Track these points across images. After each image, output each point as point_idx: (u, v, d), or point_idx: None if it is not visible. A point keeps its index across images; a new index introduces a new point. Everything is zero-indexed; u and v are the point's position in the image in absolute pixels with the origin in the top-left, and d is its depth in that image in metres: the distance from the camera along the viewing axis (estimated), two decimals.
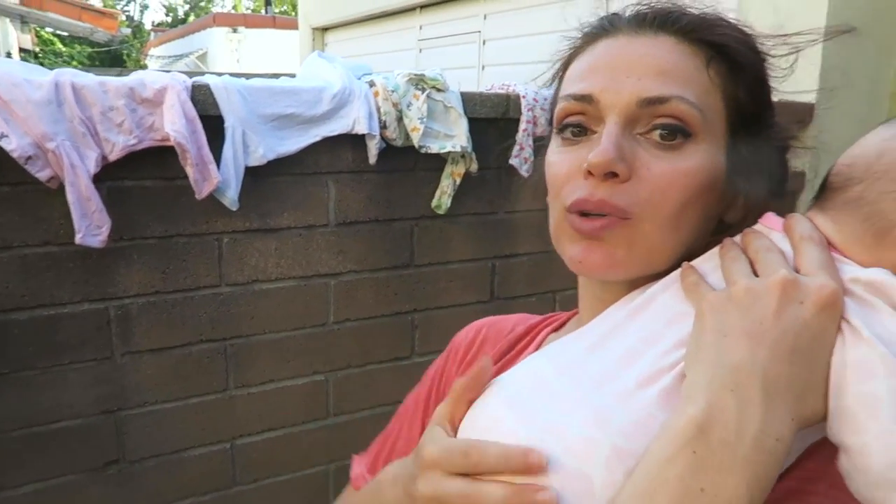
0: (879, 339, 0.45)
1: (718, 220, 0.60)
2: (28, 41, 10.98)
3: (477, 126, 1.81)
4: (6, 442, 1.45)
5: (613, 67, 0.57)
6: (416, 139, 1.74)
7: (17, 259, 1.41)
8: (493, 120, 1.85)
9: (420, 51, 4.95)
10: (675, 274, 0.56)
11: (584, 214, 0.56)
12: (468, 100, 1.81)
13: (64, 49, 17.04)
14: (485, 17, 4.26)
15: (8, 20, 9.19)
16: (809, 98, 2.27)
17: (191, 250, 1.58)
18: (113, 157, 1.44)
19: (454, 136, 1.81)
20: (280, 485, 1.75)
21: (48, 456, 1.49)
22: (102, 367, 1.52)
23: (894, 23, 2.39)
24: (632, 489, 0.44)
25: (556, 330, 0.75)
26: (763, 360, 0.45)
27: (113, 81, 1.43)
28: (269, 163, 1.59)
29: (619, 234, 0.56)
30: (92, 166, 1.40)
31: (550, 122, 0.64)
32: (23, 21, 9.43)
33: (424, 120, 1.74)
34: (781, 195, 0.61)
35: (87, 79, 1.42)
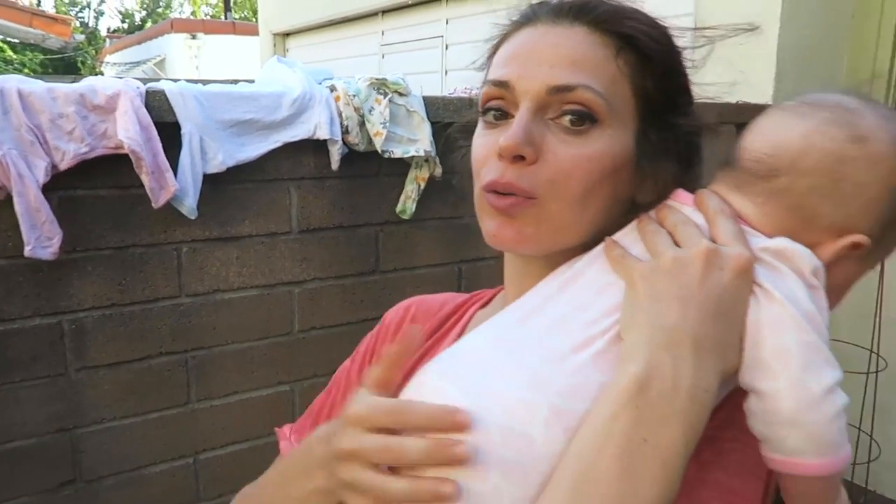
0: (789, 299, 0.51)
1: (631, 199, 0.63)
2: None
3: (440, 130, 1.80)
4: None
5: (529, 56, 0.61)
6: (379, 144, 1.72)
7: None
8: (456, 123, 1.84)
9: (383, 56, 4.93)
10: (599, 249, 0.60)
11: (496, 193, 0.60)
12: (431, 104, 1.79)
13: (15, 56, 16.56)
14: (447, 22, 4.26)
15: None
16: (766, 100, 2.32)
17: (148, 261, 1.53)
18: (63, 165, 1.38)
19: (417, 141, 1.79)
20: None
21: (0, 477, 1.43)
22: (56, 383, 1.46)
23: (846, 17, 2.46)
24: (580, 445, 0.48)
25: (483, 306, 0.79)
26: (692, 321, 0.50)
27: (62, 88, 1.39)
28: (229, 170, 1.55)
29: (527, 212, 0.60)
30: (41, 176, 1.35)
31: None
32: None
33: (387, 124, 1.72)
34: (695, 177, 0.65)
35: (35, 85, 1.37)
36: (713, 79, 0.70)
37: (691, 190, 0.62)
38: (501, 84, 0.61)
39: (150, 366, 1.56)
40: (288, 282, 1.72)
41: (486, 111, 0.64)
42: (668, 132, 0.63)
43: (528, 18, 0.65)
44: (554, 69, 0.59)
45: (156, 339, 1.56)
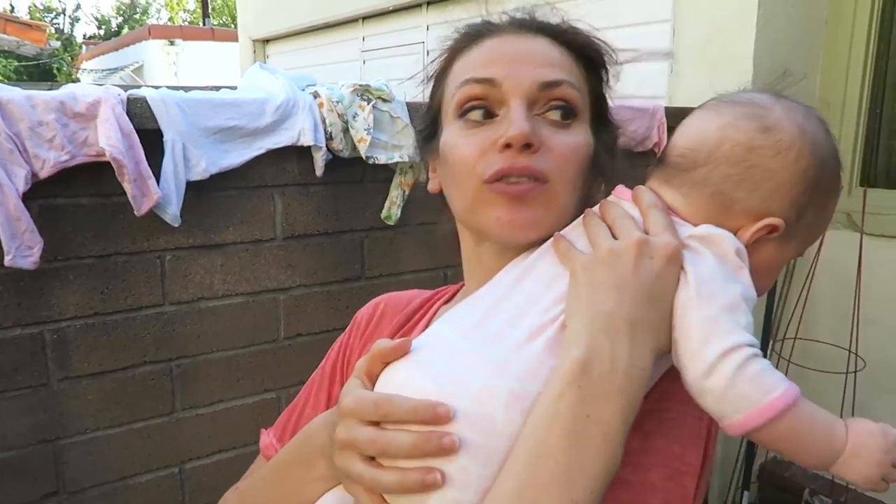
0: (697, 280, 0.56)
1: (588, 193, 0.70)
2: None
3: None
4: None
5: (512, 58, 0.67)
6: (363, 150, 1.72)
7: None
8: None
9: (364, 62, 4.92)
10: (549, 243, 0.65)
11: (504, 183, 0.64)
12: (414, 110, 1.80)
13: None
14: (428, 28, 4.27)
15: None
16: None
17: (131, 269, 1.52)
18: (44, 174, 1.37)
19: (402, 147, 1.79)
20: None
21: None
22: (38, 394, 1.44)
23: (819, 23, 2.50)
24: (532, 423, 0.53)
25: (447, 302, 0.84)
26: (627, 306, 0.55)
27: (42, 95, 1.37)
28: (213, 177, 1.54)
29: (539, 197, 0.65)
30: (21, 184, 1.33)
31: (432, 122, 0.74)
32: None
33: (371, 131, 1.72)
34: (623, 170, 0.73)
35: (13, 93, 1.35)
36: (690, 83, 0.74)
37: (630, 186, 0.68)
38: (486, 81, 0.66)
39: (134, 375, 1.55)
40: (273, 289, 1.71)
41: (466, 111, 0.68)
42: (607, 131, 0.72)
43: (487, 31, 0.71)
44: (538, 69, 0.66)
45: (139, 348, 1.55)
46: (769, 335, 2.49)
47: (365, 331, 0.86)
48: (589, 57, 0.70)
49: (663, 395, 0.61)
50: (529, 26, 0.70)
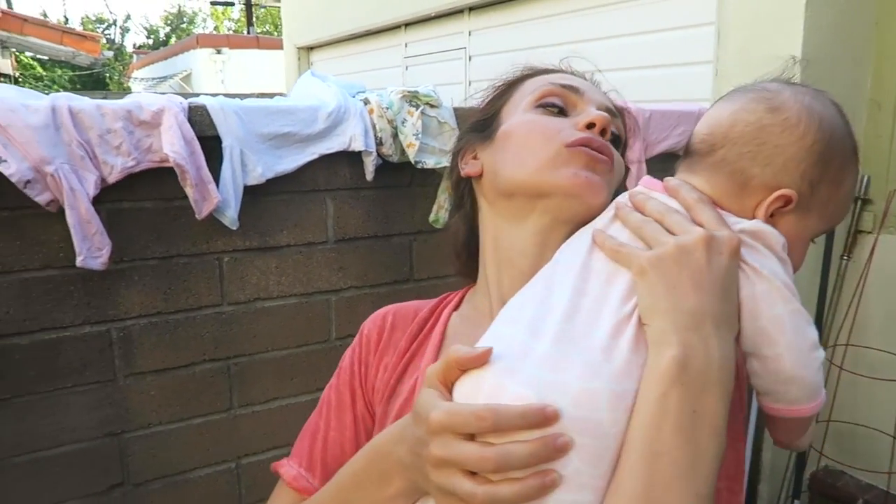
0: (772, 273, 0.61)
1: None
2: (8, 66, 10.92)
3: None
4: (8, 468, 1.43)
5: (588, 85, 0.80)
6: (412, 155, 1.75)
7: (17, 283, 1.40)
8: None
9: (406, 68, 4.98)
10: (587, 239, 0.67)
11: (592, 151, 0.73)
12: (461, 115, 1.83)
13: (45, 73, 16.95)
14: (470, 34, 4.30)
15: None
16: None
17: (192, 270, 1.58)
18: (112, 179, 1.44)
19: (449, 151, 1.82)
20: None
21: (51, 481, 1.48)
22: (105, 389, 1.51)
23: (869, 26, 2.45)
24: (641, 423, 0.55)
25: (455, 308, 0.86)
26: (708, 302, 0.58)
27: (110, 104, 1.44)
28: (268, 181, 1.60)
29: (607, 173, 0.74)
30: (91, 189, 1.40)
31: (489, 117, 0.82)
32: (3, 46, 9.38)
33: (419, 136, 1.76)
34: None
35: (84, 102, 1.43)
36: (735, 86, 0.77)
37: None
38: (572, 89, 0.77)
39: (194, 372, 1.61)
40: (325, 290, 1.76)
41: (545, 104, 0.77)
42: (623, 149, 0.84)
43: (551, 70, 0.84)
44: (605, 100, 0.80)
45: (199, 346, 1.61)
46: (819, 342, 2.45)
47: (378, 344, 0.85)
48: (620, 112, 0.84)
49: None
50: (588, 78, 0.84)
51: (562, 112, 0.76)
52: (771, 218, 0.66)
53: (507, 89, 0.83)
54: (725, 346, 0.58)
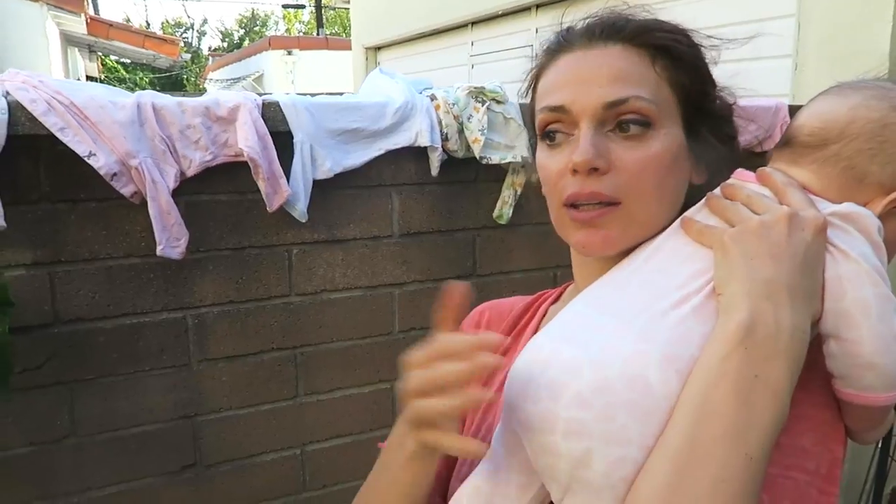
0: (860, 255, 0.59)
1: (689, 182, 0.71)
2: (94, 69, 11.54)
3: None
4: (91, 445, 1.52)
5: (578, 80, 0.68)
6: (477, 150, 1.76)
7: (102, 271, 1.49)
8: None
9: (472, 66, 5.00)
10: (674, 227, 0.67)
11: (576, 206, 0.67)
12: (527, 111, 1.82)
13: (127, 75, 17.81)
14: (536, 31, 4.28)
15: (76, 50, 9.69)
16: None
17: (262, 261, 1.64)
18: (190, 172, 1.51)
19: (514, 147, 1.82)
20: (348, 491, 1.78)
21: (129, 459, 1.56)
22: (180, 373, 1.58)
23: None
24: (697, 383, 0.55)
25: (554, 302, 0.85)
26: (786, 273, 0.57)
27: (189, 102, 1.51)
28: (336, 176, 1.64)
29: (612, 218, 0.66)
30: (171, 182, 1.47)
31: (533, 129, 0.75)
32: (90, 50, 9.91)
33: (485, 131, 1.76)
34: (735, 149, 0.73)
35: (166, 100, 1.50)
36: (815, 80, 0.74)
37: (738, 164, 0.70)
38: (557, 109, 0.68)
39: (263, 360, 1.67)
40: (389, 283, 1.79)
41: (545, 135, 0.70)
42: (707, 118, 0.71)
43: (561, 46, 0.72)
44: (603, 88, 0.66)
45: (268, 335, 1.66)
46: None
47: None
48: (670, 52, 0.69)
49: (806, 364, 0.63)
50: (599, 34, 0.70)
51: (565, 135, 0.69)
52: (883, 216, 0.64)
53: (532, 93, 0.77)
54: (799, 317, 0.57)
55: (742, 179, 0.68)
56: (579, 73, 0.68)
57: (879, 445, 2.36)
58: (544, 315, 0.84)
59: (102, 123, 1.41)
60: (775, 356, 0.55)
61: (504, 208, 1.88)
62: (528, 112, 0.78)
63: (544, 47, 0.75)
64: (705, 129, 0.70)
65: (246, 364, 1.65)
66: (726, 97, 0.74)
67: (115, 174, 1.41)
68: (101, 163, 1.39)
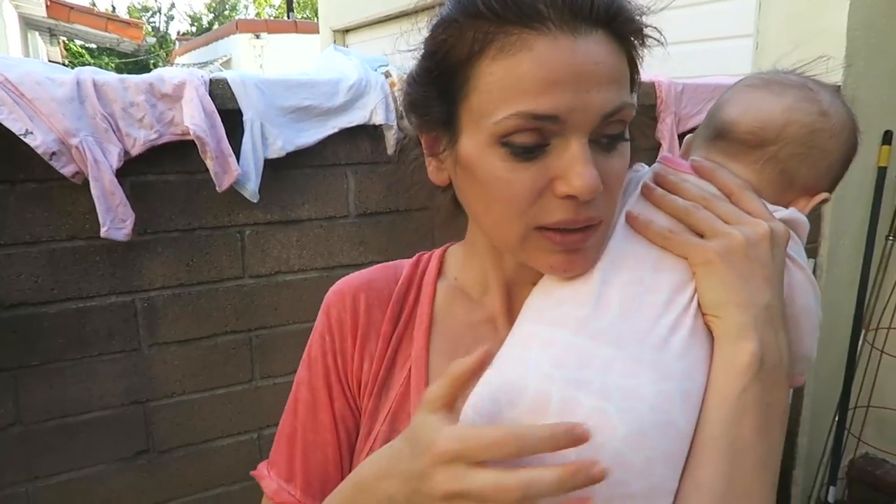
0: (805, 263, 0.63)
1: None
2: (57, 54, 11.24)
3: None
4: (39, 433, 1.48)
5: (576, 83, 0.54)
6: None
7: (45, 253, 1.44)
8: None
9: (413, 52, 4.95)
10: (621, 223, 0.63)
11: (560, 231, 0.58)
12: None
13: (92, 61, 17.41)
14: None
15: (37, 33, 9.43)
16: (837, 80, 2.23)
17: (213, 243, 1.60)
18: (135, 151, 1.46)
19: None
20: None
21: (79, 446, 1.52)
22: (130, 358, 1.55)
23: None
24: (721, 419, 0.55)
25: (438, 276, 0.77)
26: (777, 297, 0.59)
27: (133, 79, 1.46)
28: (288, 155, 1.60)
29: (596, 238, 0.60)
30: (115, 161, 1.43)
31: (445, 107, 0.61)
32: (51, 34, 9.66)
33: None
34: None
35: (108, 76, 1.45)
36: (776, 60, 0.74)
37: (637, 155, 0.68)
38: (548, 118, 0.54)
39: (217, 344, 1.63)
40: (346, 264, 1.76)
41: (510, 144, 0.56)
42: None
43: (525, 19, 0.54)
44: (602, 93, 0.55)
45: (221, 318, 1.63)
46: (861, 324, 2.36)
47: (355, 330, 0.74)
48: (641, 40, 0.61)
49: None
50: (586, 17, 0.55)
51: (539, 144, 0.56)
52: None
53: (464, 63, 0.58)
54: (788, 338, 0.59)
55: (672, 167, 0.67)
56: (574, 71, 0.53)
57: (836, 419, 2.41)
58: (433, 294, 0.75)
59: (39, 100, 1.35)
60: (781, 382, 0.57)
61: None
62: (451, 81, 0.60)
63: (481, 4, 0.56)
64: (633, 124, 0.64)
65: (199, 348, 1.62)
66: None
67: (53, 153, 1.37)
68: (38, 141, 1.34)
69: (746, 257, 0.58)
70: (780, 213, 0.65)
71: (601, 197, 0.57)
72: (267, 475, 0.76)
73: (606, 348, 0.55)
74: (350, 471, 0.68)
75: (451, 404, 0.51)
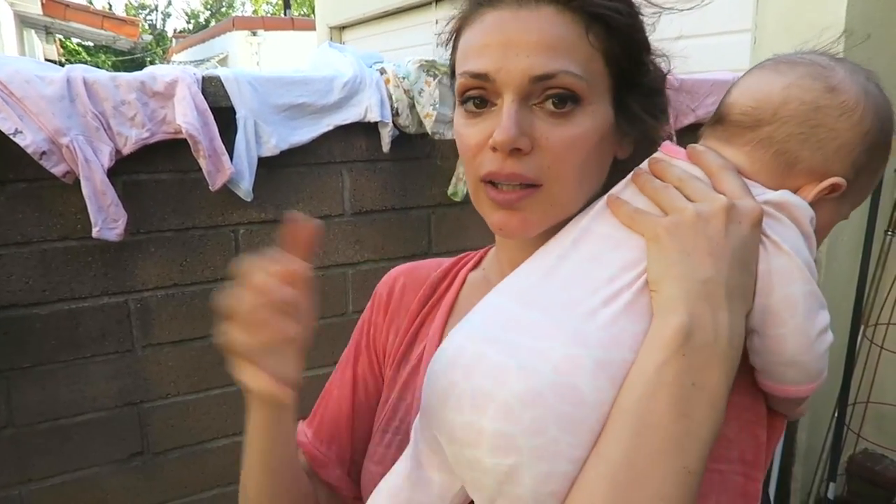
0: (793, 249, 0.56)
1: (613, 158, 0.67)
2: (53, 52, 11.20)
3: None
4: (32, 435, 1.47)
5: (504, 45, 0.61)
6: (429, 126, 1.72)
7: (36, 254, 1.43)
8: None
9: (437, 45, 4.93)
10: (601, 205, 0.62)
11: (494, 184, 0.62)
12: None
13: (89, 59, 17.37)
14: None
15: (33, 31, 9.39)
16: None
17: (207, 242, 1.58)
18: (126, 150, 1.44)
19: None
20: None
21: (73, 448, 1.51)
22: (124, 359, 1.53)
23: None
24: (632, 392, 0.52)
25: (473, 268, 0.82)
26: (724, 273, 0.54)
27: (124, 77, 1.44)
28: (283, 153, 1.59)
29: (533, 201, 0.62)
30: (106, 160, 1.41)
31: (452, 88, 0.69)
32: (47, 32, 9.62)
33: (437, 106, 1.72)
34: (664, 121, 0.69)
35: (99, 74, 1.43)
36: (777, 50, 0.70)
37: (664, 137, 0.67)
38: (480, 76, 0.61)
39: (211, 344, 1.62)
40: (342, 263, 1.75)
41: (465, 101, 0.64)
42: (638, 91, 0.66)
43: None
44: (531, 57, 0.60)
45: (215, 318, 1.61)
46: (860, 320, 2.35)
47: (388, 306, 0.83)
48: (604, 19, 0.62)
49: None
50: None
51: (485, 103, 0.63)
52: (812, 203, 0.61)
53: (453, 47, 0.69)
54: (736, 319, 0.54)
55: (670, 155, 0.64)
56: (506, 36, 0.61)
57: (836, 415, 2.40)
58: (463, 283, 0.80)
59: (29, 99, 1.34)
60: (713, 363, 0.52)
61: (459, 185, 1.85)
62: (449, 67, 0.71)
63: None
64: (636, 102, 0.65)
65: (193, 348, 1.60)
66: (660, 68, 0.69)
67: (44, 153, 1.35)
68: (28, 141, 1.33)
69: (693, 230, 0.55)
70: (767, 195, 0.60)
71: (537, 158, 0.61)
72: (301, 425, 0.85)
73: (532, 312, 0.56)
74: (359, 428, 0.79)
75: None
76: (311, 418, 0.83)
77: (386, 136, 1.71)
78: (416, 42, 5.12)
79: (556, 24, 0.61)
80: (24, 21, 8.38)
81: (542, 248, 0.63)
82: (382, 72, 1.72)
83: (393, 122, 1.70)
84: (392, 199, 1.79)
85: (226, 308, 0.58)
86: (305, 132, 1.64)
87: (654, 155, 0.65)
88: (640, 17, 0.66)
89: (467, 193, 0.69)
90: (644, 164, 0.64)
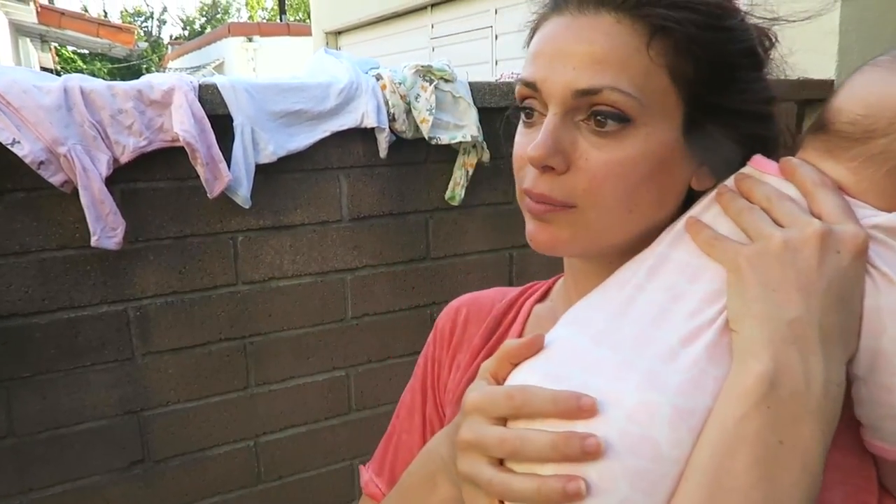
0: None
1: (688, 187, 0.59)
2: (49, 60, 11.20)
3: (487, 116, 1.79)
4: (32, 444, 1.47)
5: (552, 55, 0.57)
6: (425, 131, 1.73)
7: (35, 263, 1.43)
8: (503, 109, 1.83)
9: (433, 49, 4.95)
10: (679, 229, 0.55)
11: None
12: (477, 90, 1.79)
13: (84, 66, 17.37)
14: (496, 12, 4.24)
15: (28, 40, 9.40)
16: (829, 75, 2.23)
17: (206, 250, 1.59)
18: (124, 159, 1.45)
19: (464, 127, 1.79)
20: (305, 481, 1.75)
21: (74, 457, 1.51)
22: (124, 367, 1.53)
23: None
24: (709, 450, 0.45)
25: (540, 300, 0.76)
26: (816, 311, 0.47)
27: (121, 85, 1.45)
28: (280, 160, 1.59)
29: (564, 218, 0.58)
30: (104, 169, 1.41)
31: None
32: (42, 40, 9.62)
33: (433, 111, 1.73)
34: (769, 150, 0.58)
35: (96, 83, 1.43)
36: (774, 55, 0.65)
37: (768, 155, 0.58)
38: (529, 85, 0.59)
39: (211, 351, 1.62)
40: (340, 269, 1.75)
41: (521, 109, 0.61)
42: (723, 114, 0.57)
43: (557, 4, 0.60)
44: (578, 70, 0.55)
45: (215, 325, 1.62)
46: None
47: (451, 341, 0.78)
48: (670, 31, 0.55)
49: None
50: None
51: (538, 112, 0.60)
52: None
53: (530, 40, 0.64)
54: (833, 366, 0.46)
55: (761, 169, 0.56)
56: (557, 45, 0.57)
57: None
58: (528, 315, 0.75)
59: (26, 109, 1.34)
60: (804, 417, 0.45)
61: (456, 189, 1.85)
62: None
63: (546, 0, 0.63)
64: (719, 127, 0.57)
65: (193, 356, 1.60)
66: (768, 87, 0.60)
67: (41, 162, 1.35)
68: (25, 151, 1.33)
69: (780, 262, 0.48)
70: (878, 217, 0.50)
71: (572, 179, 0.56)
72: (365, 468, 0.81)
73: (603, 350, 0.51)
74: None
75: (497, 376, 0.54)
76: (380, 467, 0.79)
77: (383, 141, 1.71)
78: (412, 47, 5.14)
79: (611, 35, 0.55)
80: (19, 29, 8.38)
81: (613, 275, 0.58)
82: (378, 77, 1.73)
83: (390, 127, 1.71)
84: (390, 205, 1.79)
85: (494, 439, 0.49)
86: (303, 138, 1.65)
87: (742, 169, 0.57)
88: (735, 28, 0.58)
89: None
90: (730, 181, 0.57)
